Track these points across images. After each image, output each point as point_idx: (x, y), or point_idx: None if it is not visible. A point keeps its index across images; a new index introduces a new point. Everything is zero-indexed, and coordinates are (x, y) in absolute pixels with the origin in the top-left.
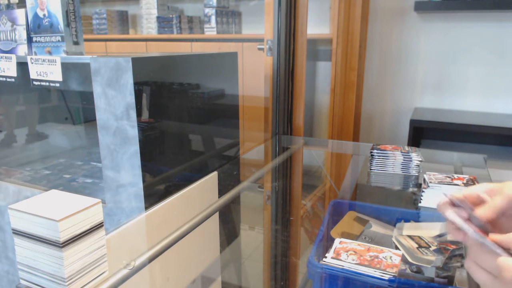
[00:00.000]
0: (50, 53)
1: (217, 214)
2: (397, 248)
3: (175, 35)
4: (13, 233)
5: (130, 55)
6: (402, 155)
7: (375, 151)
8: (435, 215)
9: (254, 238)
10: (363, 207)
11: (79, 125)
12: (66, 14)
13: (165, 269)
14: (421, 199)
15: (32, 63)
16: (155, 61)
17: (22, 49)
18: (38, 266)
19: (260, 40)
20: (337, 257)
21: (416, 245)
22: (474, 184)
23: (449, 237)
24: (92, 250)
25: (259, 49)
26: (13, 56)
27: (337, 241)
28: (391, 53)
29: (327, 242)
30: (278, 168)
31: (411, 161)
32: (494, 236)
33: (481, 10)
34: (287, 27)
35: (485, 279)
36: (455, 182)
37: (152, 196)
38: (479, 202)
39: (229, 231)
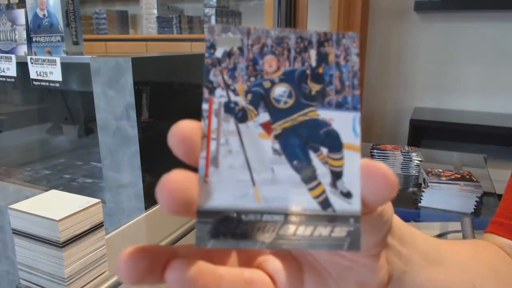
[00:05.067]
0: (50, 53)
1: None
2: None
3: (175, 35)
4: (13, 233)
5: (130, 55)
6: (402, 155)
7: (375, 151)
8: (435, 215)
9: None
10: None
11: (79, 125)
12: (66, 14)
13: None
14: (421, 199)
15: (32, 63)
16: (155, 61)
17: (22, 49)
18: (38, 266)
19: None
20: None
21: None
22: (470, 178)
23: (449, 237)
24: (92, 250)
25: None
26: (13, 56)
27: None
28: (391, 53)
29: None
30: None
31: (411, 161)
32: None
33: (480, 10)
34: (287, 27)
35: None
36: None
37: (152, 196)
38: None
39: None
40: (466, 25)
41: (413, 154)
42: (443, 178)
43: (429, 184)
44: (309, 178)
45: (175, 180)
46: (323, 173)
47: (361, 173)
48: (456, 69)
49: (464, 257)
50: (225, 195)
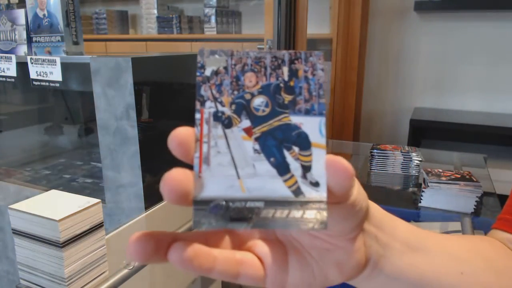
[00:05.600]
0: (50, 53)
1: None
2: None
3: (175, 35)
4: (13, 233)
5: (130, 55)
6: (402, 155)
7: (375, 151)
8: (435, 215)
9: None
10: None
11: (79, 125)
12: (66, 14)
13: (165, 269)
14: (421, 199)
15: (32, 63)
16: (155, 61)
17: (22, 49)
18: (38, 266)
19: (260, 40)
20: None
21: None
22: (470, 178)
23: None
24: (92, 250)
25: (259, 49)
26: (13, 56)
27: None
28: (391, 53)
29: None
30: None
31: (411, 161)
32: None
33: (480, 9)
34: (287, 27)
35: None
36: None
37: (152, 196)
38: None
39: None
40: (466, 25)
41: (413, 154)
42: (443, 178)
43: (429, 184)
44: (284, 171)
45: (174, 177)
46: (295, 167)
47: (326, 167)
48: (456, 69)
49: (457, 249)
50: (216, 187)
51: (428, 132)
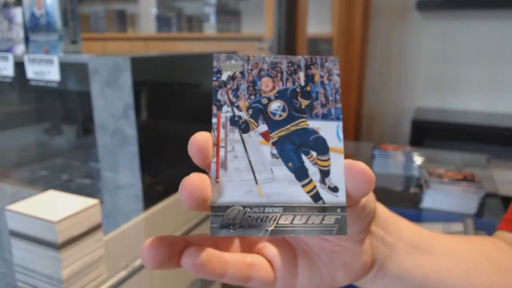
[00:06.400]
0: (47, 52)
1: None
2: None
3: (174, 34)
4: (10, 234)
5: (129, 54)
6: (404, 155)
7: (376, 151)
8: (437, 216)
9: None
10: None
11: (77, 125)
12: (64, 13)
13: (164, 270)
14: (423, 200)
15: (29, 62)
16: (154, 60)
17: (19, 48)
18: (35, 268)
19: (260, 39)
20: None
21: None
22: (473, 178)
23: None
24: (90, 251)
25: (259, 48)
26: (10, 55)
27: None
28: (393, 52)
29: None
30: None
31: (412, 161)
32: None
33: (483, 8)
34: (287, 26)
35: None
36: (456, 178)
37: (151, 197)
38: None
39: None
40: (469, 24)
41: (415, 154)
42: (445, 179)
43: (431, 185)
44: (302, 176)
45: (192, 182)
46: (314, 172)
47: (345, 171)
48: (459, 68)
49: (460, 249)
50: (233, 192)
51: (430, 132)
